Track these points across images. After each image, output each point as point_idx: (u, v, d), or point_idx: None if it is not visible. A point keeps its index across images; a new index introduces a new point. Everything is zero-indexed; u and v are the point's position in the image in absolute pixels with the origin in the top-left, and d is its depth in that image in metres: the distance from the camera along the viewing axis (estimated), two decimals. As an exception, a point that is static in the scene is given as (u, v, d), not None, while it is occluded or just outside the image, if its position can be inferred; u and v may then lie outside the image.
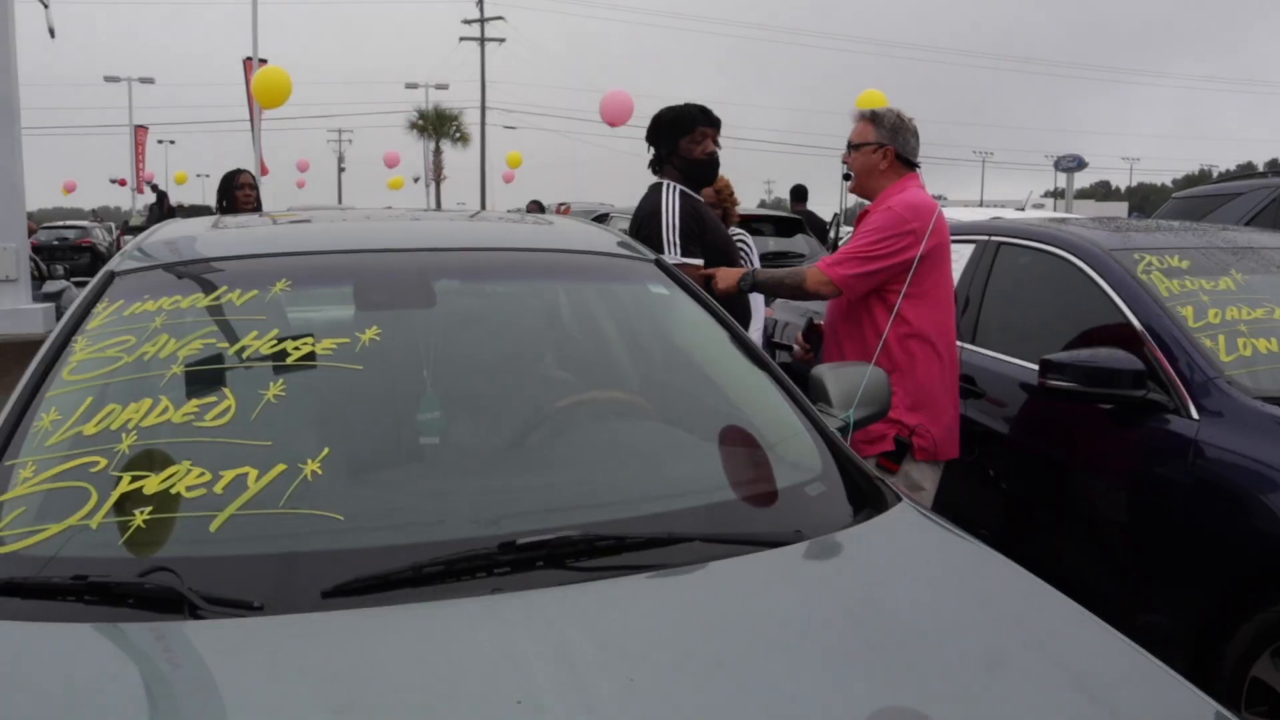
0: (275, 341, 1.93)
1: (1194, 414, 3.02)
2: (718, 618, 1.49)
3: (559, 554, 1.58)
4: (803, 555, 1.69)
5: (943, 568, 1.74)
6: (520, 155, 38.86)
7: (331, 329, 2.03)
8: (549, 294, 2.41)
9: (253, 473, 1.65)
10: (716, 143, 3.93)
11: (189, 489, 1.62)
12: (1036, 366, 3.64)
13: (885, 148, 3.43)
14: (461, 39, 44.95)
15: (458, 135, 46.37)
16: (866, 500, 1.96)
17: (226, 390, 1.82)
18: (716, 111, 4.00)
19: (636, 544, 1.64)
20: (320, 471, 1.68)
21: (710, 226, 3.90)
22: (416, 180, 45.72)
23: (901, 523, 1.86)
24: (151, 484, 1.63)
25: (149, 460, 1.69)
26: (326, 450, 1.72)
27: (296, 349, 1.92)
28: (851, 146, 3.49)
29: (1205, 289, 3.43)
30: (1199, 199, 7.60)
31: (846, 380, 2.45)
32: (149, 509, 1.59)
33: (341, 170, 66.50)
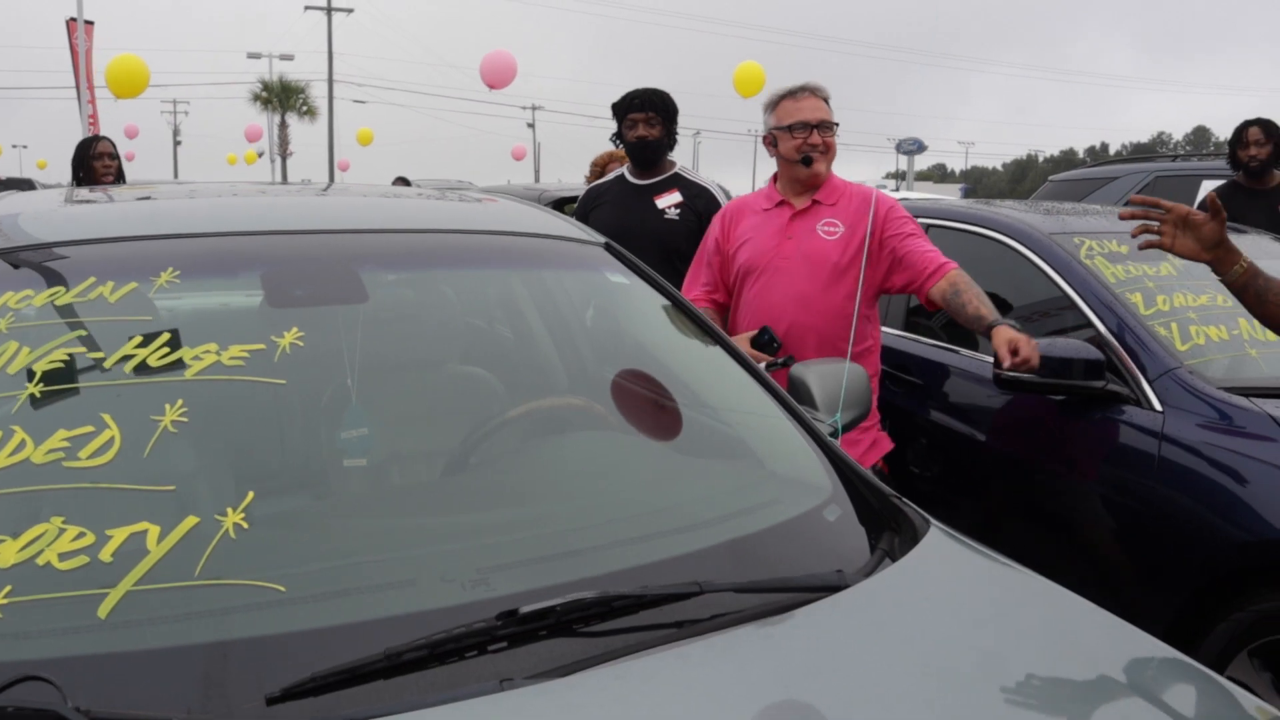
0: (166, 350, 1.50)
1: (1157, 406, 2.88)
2: (796, 704, 1.17)
3: (568, 620, 1.24)
4: (856, 607, 1.39)
5: (1011, 608, 1.48)
6: (371, 132, 37.47)
7: (238, 332, 1.60)
8: (496, 285, 2.02)
9: (152, 530, 1.24)
10: (651, 126, 3.91)
11: (63, 557, 1.20)
12: (978, 355, 3.49)
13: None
14: (307, 8, 42.74)
15: (304, 109, 44.45)
16: (886, 522, 1.69)
17: (106, 417, 1.37)
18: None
19: (659, 599, 1.31)
20: (245, 524, 1.28)
21: (601, 206, 4.00)
22: (261, 155, 43.61)
23: (944, 554, 1.60)
24: (7, 553, 1.19)
25: (2, 519, 1.25)
26: (251, 494, 1.32)
27: (196, 359, 1.49)
28: (832, 126, 3.11)
29: (1149, 275, 3.32)
30: (1076, 182, 7.71)
31: (830, 379, 2.17)
32: (6, 590, 1.16)
33: (177, 144, 62.65)
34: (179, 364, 1.48)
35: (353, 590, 1.27)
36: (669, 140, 3.95)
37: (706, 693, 1.16)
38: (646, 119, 3.88)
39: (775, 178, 3.26)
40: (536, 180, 37.40)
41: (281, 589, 1.22)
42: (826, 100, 3.12)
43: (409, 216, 2.04)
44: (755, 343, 2.95)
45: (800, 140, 3.07)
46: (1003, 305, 3.58)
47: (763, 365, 2.59)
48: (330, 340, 1.69)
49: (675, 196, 3.91)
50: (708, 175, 4.21)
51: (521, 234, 2.12)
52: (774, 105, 3.16)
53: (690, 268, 3.40)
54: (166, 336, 1.52)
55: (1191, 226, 2.09)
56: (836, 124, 3.11)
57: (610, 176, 4.17)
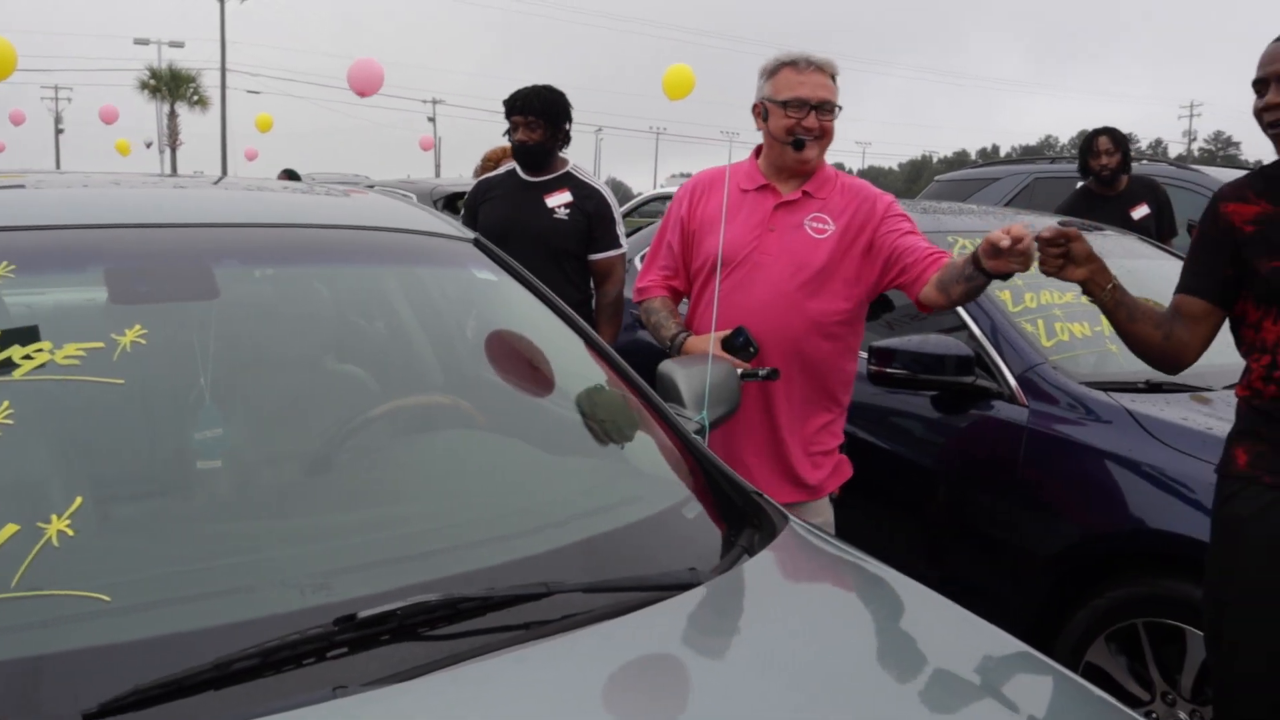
0: None
1: (1022, 400, 2.99)
2: (634, 706, 1.17)
3: (411, 623, 1.22)
4: (708, 604, 1.40)
5: (865, 605, 1.51)
6: (271, 118, 36.42)
7: (77, 330, 1.53)
8: (359, 281, 1.98)
9: None
10: (532, 129, 3.84)
11: None
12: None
13: None
14: (198, -7, 41.44)
15: (195, 98, 43.01)
16: (745, 518, 1.71)
17: None
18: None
19: (507, 600, 1.29)
20: (70, 532, 1.22)
21: (491, 200, 3.96)
22: (149, 145, 42.08)
23: (799, 550, 1.62)
24: None
25: None
26: (78, 500, 1.26)
27: (27, 359, 1.42)
28: (833, 109, 2.67)
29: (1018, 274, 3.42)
30: (961, 182, 7.95)
31: (697, 377, 2.18)
32: None
33: (60, 132, 59.95)
34: (7, 364, 1.40)
35: (185, 598, 1.23)
36: (553, 142, 3.89)
37: (543, 695, 1.15)
38: (527, 122, 3.83)
39: (757, 153, 2.82)
40: (437, 174, 36.87)
41: (106, 599, 1.17)
42: (834, 77, 2.69)
43: (267, 211, 1.98)
44: (728, 344, 2.56)
45: (794, 120, 2.63)
46: (879, 302, 3.67)
47: (739, 373, 2.34)
48: (178, 338, 1.62)
49: (565, 196, 3.88)
50: (609, 171, 4.19)
51: (387, 229, 2.08)
52: (772, 73, 2.70)
53: (649, 250, 3.00)
54: None
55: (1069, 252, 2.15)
56: (840, 107, 2.69)
57: (502, 170, 4.12)
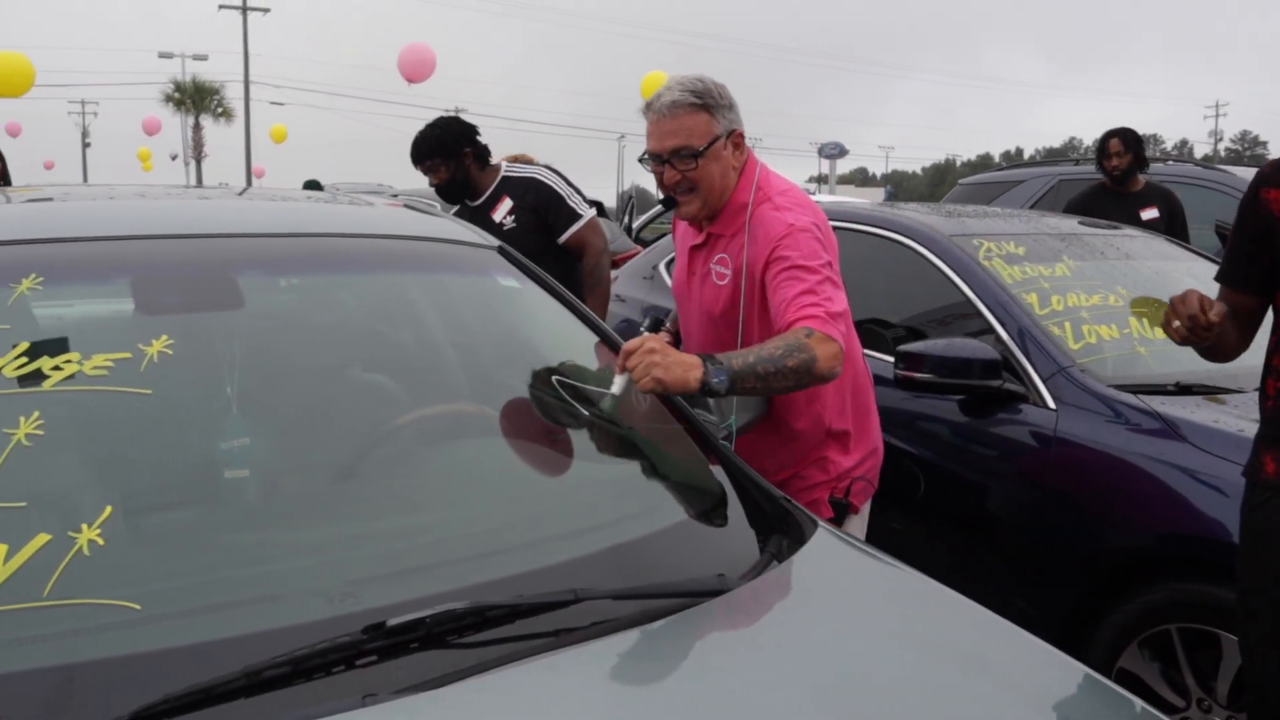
0: (24, 360, 1.43)
1: (1050, 404, 2.96)
2: (664, 713, 1.16)
3: (440, 631, 1.21)
4: (737, 611, 1.39)
5: (896, 610, 1.49)
6: (285, 129, 36.73)
7: (105, 341, 1.54)
8: (382, 290, 1.98)
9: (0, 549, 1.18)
10: (436, 171, 3.90)
11: (-99, 579, 1.14)
12: (879, 356, 3.55)
13: (734, 133, 2.31)
14: (221, 7, 41.80)
15: (220, 110, 43.46)
16: (774, 524, 1.70)
17: None
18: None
19: (535, 608, 1.29)
20: (101, 541, 1.23)
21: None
22: (175, 158, 42.52)
23: (829, 556, 1.61)
24: None
25: None
26: (108, 510, 1.27)
27: (56, 369, 1.43)
28: (694, 155, 2.23)
29: (1044, 276, 3.40)
30: (985, 185, 7.89)
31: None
32: None
33: (87, 146, 60.67)
34: (37, 375, 1.42)
35: (215, 607, 1.23)
36: (460, 171, 3.91)
37: (573, 702, 1.15)
38: (427, 167, 3.89)
39: None
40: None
41: (136, 607, 1.17)
42: (699, 106, 2.23)
43: (291, 221, 1.99)
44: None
45: (658, 175, 2.32)
46: (905, 306, 3.65)
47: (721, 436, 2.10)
48: (204, 348, 1.63)
49: (506, 204, 3.88)
50: (632, 178, 4.19)
51: (411, 237, 2.09)
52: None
53: None
54: (25, 346, 1.45)
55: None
56: (716, 139, 2.25)
57: (454, 209, 4.12)
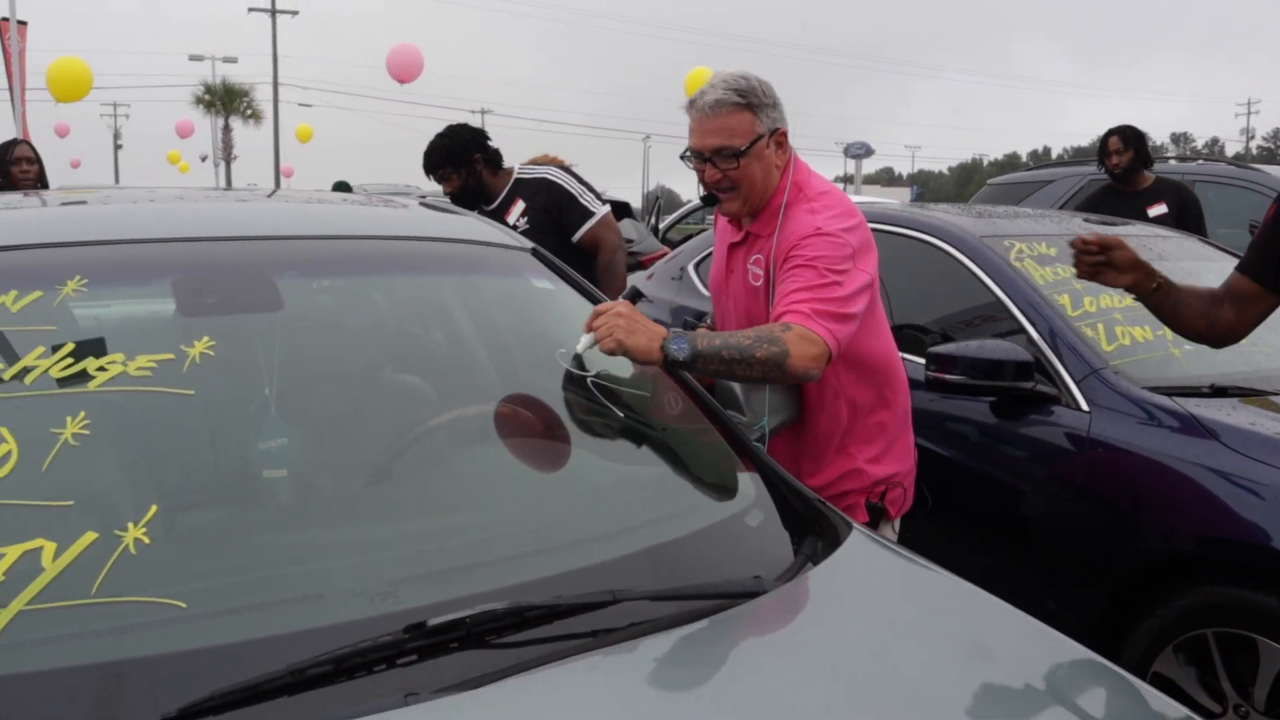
0: (70, 360, 1.46)
1: (1083, 406, 2.93)
2: (703, 711, 1.17)
3: (479, 631, 1.22)
4: (773, 613, 1.39)
5: (934, 613, 1.49)
6: (310, 129, 37.01)
7: (147, 342, 1.56)
8: (418, 291, 2.00)
9: (48, 547, 1.20)
10: (448, 180, 3.94)
11: (-46, 575, 1.16)
12: (911, 358, 3.53)
13: (777, 131, 2.30)
14: (250, 10, 42.21)
15: (249, 112, 43.90)
16: (808, 526, 1.70)
17: (3, 431, 1.33)
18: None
19: (574, 609, 1.30)
20: (146, 540, 1.24)
21: None
22: (204, 159, 42.98)
23: (863, 558, 1.60)
24: (-105, 571, 1.15)
25: (-109, 536, 1.20)
26: (153, 509, 1.29)
27: (101, 370, 1.45)
28: (736, 155, 2.23)
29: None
30: (1014, 185, 7.83)
31: (756, 385, 2.17)
32: (-106, 609, 1.12)
33: (118, 147, 61.41)
34: (82, 375, 1.44)
35: (257, 605, 1.25)
36: (472, 179, 3.94)
37: (614, 702, 1.16)
38: (439, 176, 3.92)
39: None
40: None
41: (182, 605, 1.19)
42: (743, 106, 2.24)
43: (329, 222, 2.01)
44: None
45: (699, 173, 2.33)
46: (936, 307, 3.63)
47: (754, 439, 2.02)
48: (244, 349, 1.65)
49: (519, 206, 3.90)
50: (657, 178, 4.20)
51: (446, 239, 2.10)
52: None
53: None
54: (71, 347, 1.48)
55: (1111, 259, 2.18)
56: (759, 138, 2.24)
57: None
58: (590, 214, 3.88)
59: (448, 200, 4.10)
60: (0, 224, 1.89)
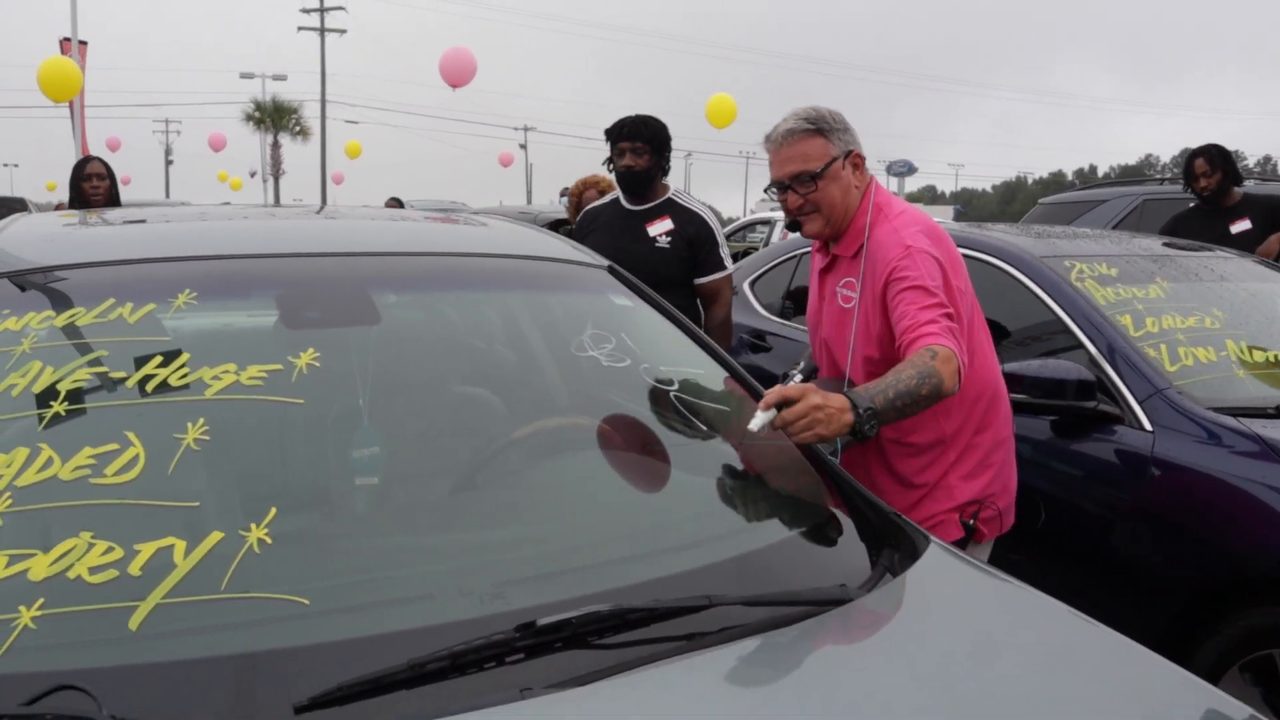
0: (186, 369, 1.54)
1: (1147, 426, 2.94)
2: (802, 713, 1.21)
3: (583, 632, 1.28)
4: (863, 620, 1.44)
5: (1018, 625, 1.52)
6: (359, 145, 37.55)
7: (256, 353, 1.64)
8: (506, 307, 2.07)
9: (179, 545, 1.28)
10: (638, 155, 3.92)
11: (93, 570, 1.24)
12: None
13: (851, 154, 2.40)
14: (300, 28, 43.02)
15: (297, 129, 44.66)
16: (886, 539, 1.73)
17: (131, 435, 1.42)
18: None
19: (671, 612, 1.35)
20: (269, 540, 1.32)
21: (595, 230, 4.02)
22: (254, 175, 43.75)
23: (944, 570, 1.64)
24: (39, 566, 1.23)
25: (33, 533, 1.28)
26: (274, 510, 1.36)
27: (216, 379, 1.53)
28: (812, 178, 2.33)
29: (1138, 298, 3.38)
30: (1066, 205, 7.81)
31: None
32: (39, 602, 1.19)
33: (169, 163, 62.70)
34: (199, 383, 1.52)
35: (374, 604, 1.31)
36: (657, 169, 3.97)
37: (718, 701, 1.20)
38: (634, 148, 3.91)
39: None
40: (529, 202, 37.53)
41: (305, 602, 1.26)
42: (813, 131, 2.35)
43: (419, 240, 2.09)
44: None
45: (782, 202, 2.44)
46: (997, 329, 3.64)
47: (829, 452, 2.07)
48: (344, 361, 1.73)
49: (666, 224, 3.94)
50: (700, 196, 4.23)
51: (528, 257, 2.18)
52: None
53: None
54: (186, 357, 1.56)
55: None
56: (833, 160, 2.34)
57: (607, 199, 4.21)
58: (723, 266, 3.98)
59: (498, 216, 4.19)
60: (110, 240, 2.00)
